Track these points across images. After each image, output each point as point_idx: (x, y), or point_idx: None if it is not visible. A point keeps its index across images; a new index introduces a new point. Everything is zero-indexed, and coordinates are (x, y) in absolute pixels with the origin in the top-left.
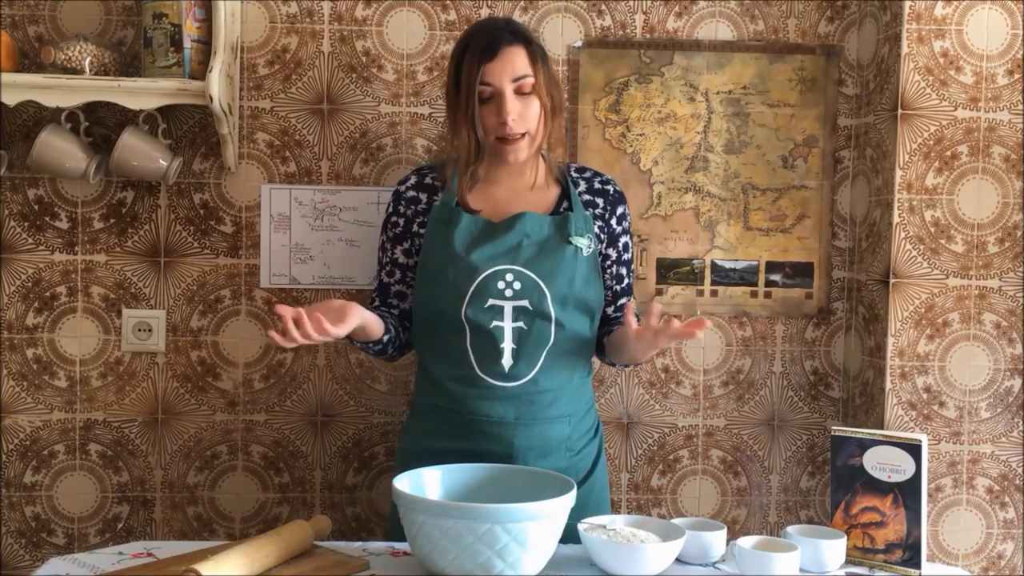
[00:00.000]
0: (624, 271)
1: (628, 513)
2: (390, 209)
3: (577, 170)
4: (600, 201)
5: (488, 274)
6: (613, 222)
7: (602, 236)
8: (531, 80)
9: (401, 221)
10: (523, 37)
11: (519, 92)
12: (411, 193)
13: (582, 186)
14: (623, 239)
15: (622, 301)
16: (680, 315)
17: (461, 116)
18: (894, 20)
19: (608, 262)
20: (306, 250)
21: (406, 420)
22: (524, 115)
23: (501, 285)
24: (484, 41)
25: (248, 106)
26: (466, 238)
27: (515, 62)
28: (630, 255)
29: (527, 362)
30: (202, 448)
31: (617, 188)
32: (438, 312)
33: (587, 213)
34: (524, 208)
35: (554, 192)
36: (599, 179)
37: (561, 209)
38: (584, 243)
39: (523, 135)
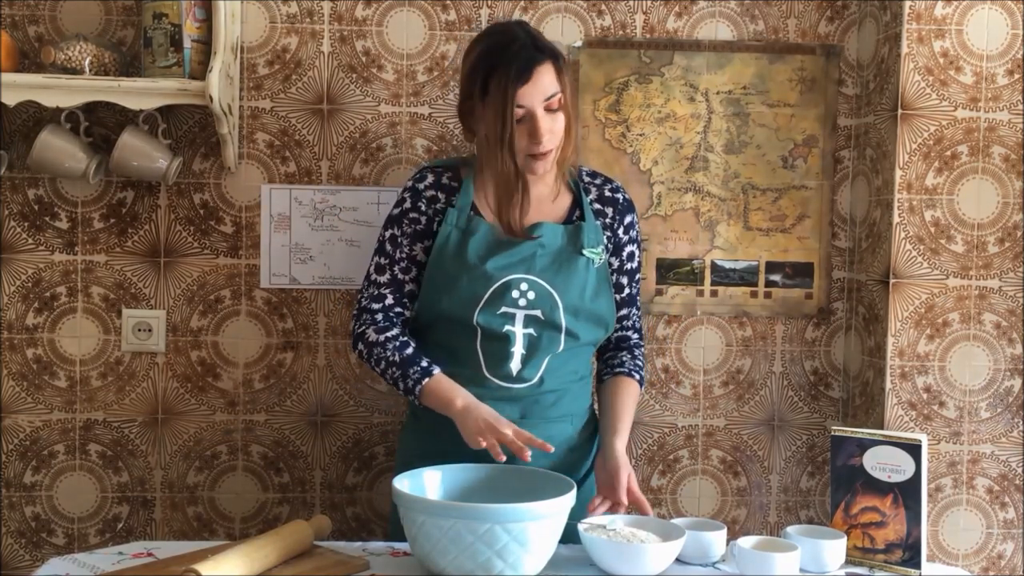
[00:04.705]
0: (625, 280)
1: (628, 513)
2: (408, 205)
3: (588, 175)
4: (609, 211)
5: (503, 283)
6: (620, 231)
7: (608, 245)
8: (560, 97)
9: (423, 219)
10: (550, 52)
11: (547, 109)
12: (431, 192)
13: (593, 193)
14: (628, 248)
15: (621, 312)
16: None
17: (495, 140)
18: (894, 20)
19: (609, 270)
20: (306, 250)
21: (407, 418)
22: (553, 131)
23: (515, 294)
24: (517, 63)
25: (248, 106)
26: (482, 246)
27: (546, 82)
28: (635, 265)
29: (534, 365)
30: (202, 448)
31: (626, 196)
32: (448, 315)
33: (597, 223)
34: (538, 217)
35: (567, 200)
36: (609, 187)
37: (574, 218)
38: (596, 254)
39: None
